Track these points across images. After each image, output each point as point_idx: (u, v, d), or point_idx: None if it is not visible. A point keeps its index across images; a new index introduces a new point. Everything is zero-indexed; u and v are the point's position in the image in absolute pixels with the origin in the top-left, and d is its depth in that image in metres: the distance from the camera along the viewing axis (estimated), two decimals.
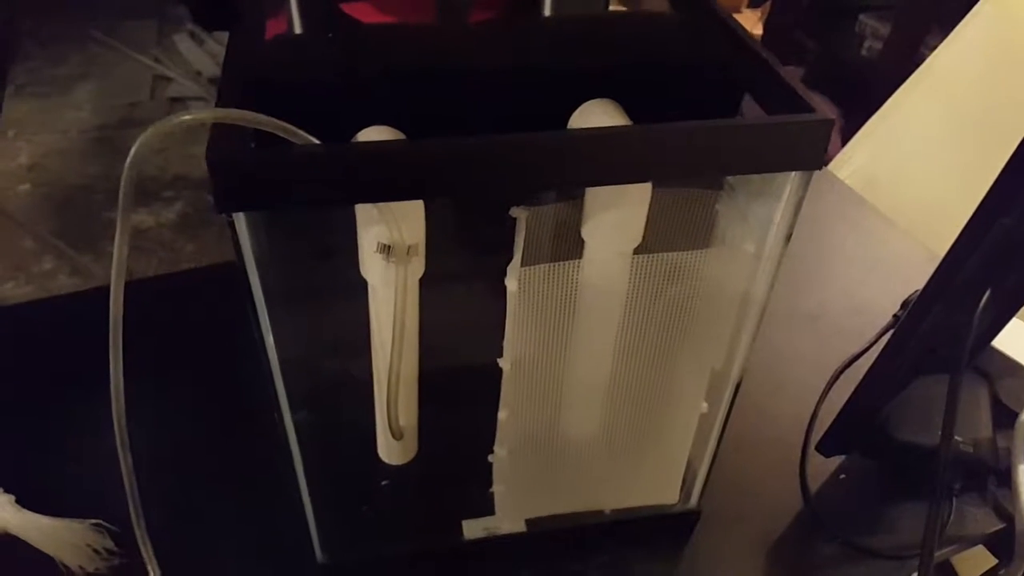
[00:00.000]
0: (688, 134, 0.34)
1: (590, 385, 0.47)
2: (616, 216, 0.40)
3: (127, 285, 0.36)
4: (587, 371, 0.46)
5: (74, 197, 2.02)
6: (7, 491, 0.55)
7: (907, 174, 1.12)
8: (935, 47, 1.21)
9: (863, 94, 1.45)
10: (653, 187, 0.40)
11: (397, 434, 0.48)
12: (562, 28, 0.49)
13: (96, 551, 0.53)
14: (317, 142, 0.33)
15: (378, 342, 0.45)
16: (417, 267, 0.42)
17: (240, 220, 0.35)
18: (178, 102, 2.28)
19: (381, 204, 0.38)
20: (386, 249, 0.39)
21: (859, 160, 1.16)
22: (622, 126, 0.39)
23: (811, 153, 0.36)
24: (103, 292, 0.36)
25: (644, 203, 0.40)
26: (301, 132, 0.33)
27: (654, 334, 0.44)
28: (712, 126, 0.34)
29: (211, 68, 2.39)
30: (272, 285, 0.38)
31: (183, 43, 2.51)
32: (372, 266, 0.41)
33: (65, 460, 0.60)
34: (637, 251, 0.41)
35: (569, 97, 0.41)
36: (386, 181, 0.34)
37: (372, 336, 0.46)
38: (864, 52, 1.88)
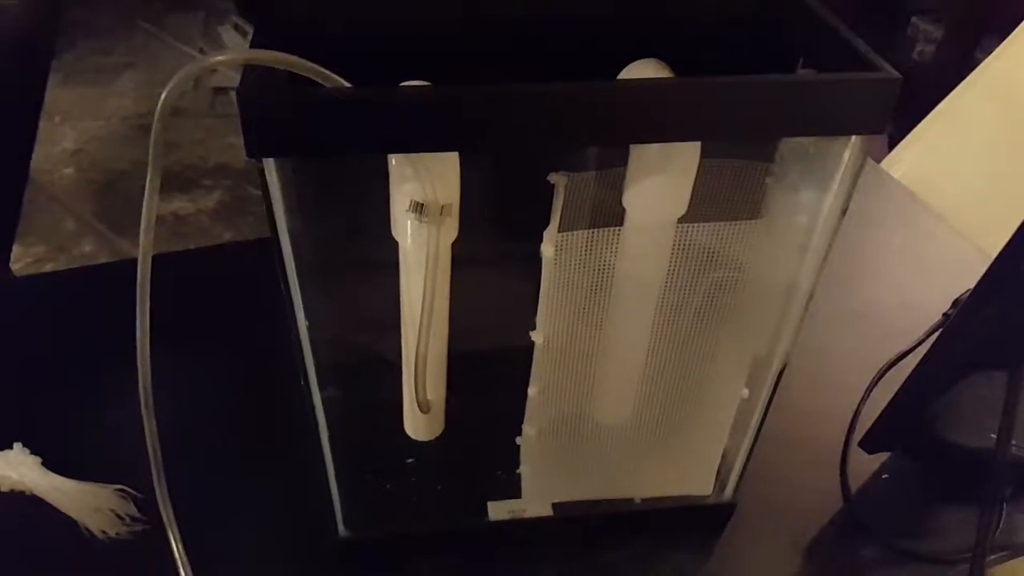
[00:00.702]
0: (742, 89, 0.32)
1: (625, 363, 0.45)
2: (661, 181, 0.38)
3: (160, 258, 0.36)
4: (622, 347, 0.44)
5: (115, 181, 2.05)
6: (34, 453, 0.55)
7: (959, 177, 1.08)
8: (989, 51, 1.18)
9: (914, 98, 1.41)
10: (701, 155, 0.38)
11: (424, 406, 0.47)
12: None
13: (119, 516, 0.53)
14: (351, 86, 0.32)
15: (408, 309, 0.44)
16: (450, 229, 0.40)
17: (271, 168, 0.34)
18: (221, 92, 2.31)
19: (415, 159, 0.36)
20: (419, 208, 0.38)
21: (910, 162, 1.13)
22: (673, 78, 0.37)
23: (874, 115, 0.33)
24: (135, 264, 0.36)
25: (691, 169, 0.38)
26: (334, 76, 0.32)
27: (695, 312, 0.42)
28: (769, 81, 0.32)
29: None
30: (302, 250, 0.37)
31: (227, 34, 2.54)
32: (404, 226, 0.40)
33: (92, 425, 0.60)
34: (682, 222, 0.39)
35: (616, 57, 0.39)
36: (422, 129, 0.32)
37: (402, 302, 0.44)
38: (916, 56, 1.83)
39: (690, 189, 0.39)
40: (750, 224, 0.38)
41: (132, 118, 2.28)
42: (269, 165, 0.34)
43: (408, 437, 0.51)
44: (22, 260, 1.80)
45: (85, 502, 0.53)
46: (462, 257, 0.43)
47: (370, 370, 0.52)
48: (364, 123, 0.32)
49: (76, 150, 2.19)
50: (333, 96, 0.32)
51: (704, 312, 0.42)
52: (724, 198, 0.41)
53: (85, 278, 0.82)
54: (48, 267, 1.84)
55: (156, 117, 0.33)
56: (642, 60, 0.39)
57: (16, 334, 0.68)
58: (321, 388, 0.43)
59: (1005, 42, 1.16)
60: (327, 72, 0.32)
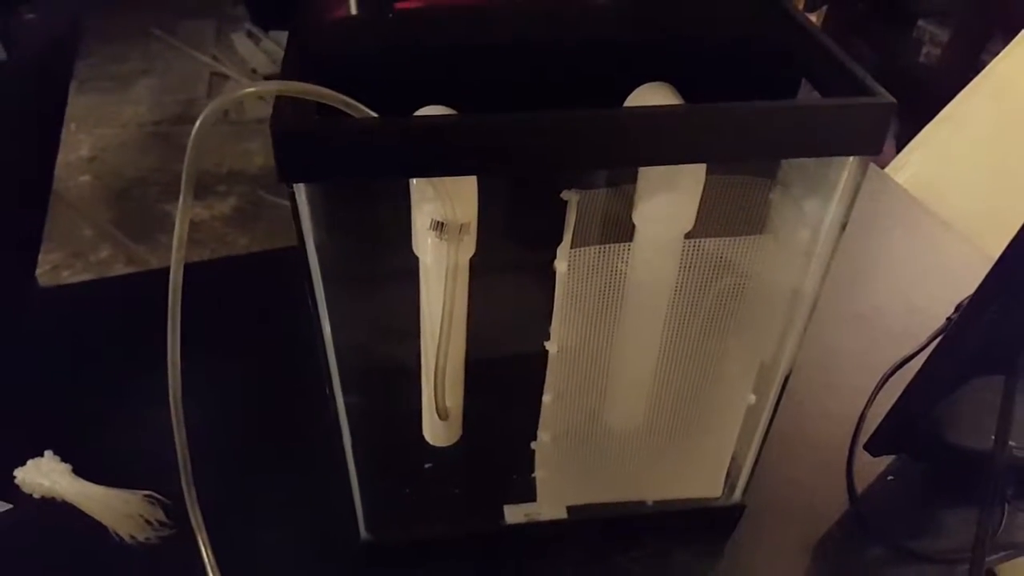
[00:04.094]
0: (745, 115, 0.34)
1: (636, 371, 0.47)
2: (668, 199, 0.40)
3: (185, 268, 0.37)
4: (634, 357, 0.46)
5: (131, 188, 2.08)
6: (64, 460, 0.57)
7: (965, 180, 1.09)
8: (995, 54, 1.19)
9: (921, 100, 1.41)
10: (707, 171, 0.40)
11: (443, 414, 0.49)
12: (618, 8, 0.49)
13: (148, 522, 0.55)
14: (376, 115, 0.34)
15: (428, 320, 0.46)
16: (468, 246, 0.42)
17: (301, 192, 0.36)
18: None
19: (435, 181, 0.38)
20: (439, 226, 0.40)
21: (916, 165, 1.14)
22: (679, 104, 0.39)
23: (871, 137, 0.35)
24: (160, 274, 0.37)
25: (697, 187, 0.40)
26: (361, 106, 0.34)
27: (703, 321, 0.44)
28: (769, 107, 0.34)
29: (267, 66, 2.44)
30: (328, 264, 0.39)
31: (240, 42, 2.57)
32: (424, 243, 0.42)
33: (121, 432, 0.62)
34: (688, 237, 0.41)
35: (624, 81, 0.41)
36: (442, 155, 0.34)
37: (422, 314, 0.46)
38: (922, 58, 1.84)
39: (696, 206, 0.41)
40: (754, 239, 0.40)
41: (147, 125, 2.31)
42: (299, 188, 0.36)
43: (427, 443, 0.53)
44: (40, 267, 1.84)
45: (115, 508, 0.55)
46: (479, 270, 0.45)
47: (391, 378, 0.54)
48: (388, 150, 0.34)
49: (92, 157, 2.22)
50: (360, 126, 0.34)
51: (711, 322, 0.43)
52: (730, 213, 0.43)
53: (111, 287, 0.84)
54: (65, 273, 1.87)
55: (189, 146, 0.35)
56: (650, 83, 0.40)
57: (45, 342, 0.70)
58: (344, 395, 0.45)
59: (1011, 44, 1.17)
60: (354, 102, 0.34)
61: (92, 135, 2.28)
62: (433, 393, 0.48)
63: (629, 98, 0.41)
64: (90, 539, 0.54)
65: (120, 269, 1.88)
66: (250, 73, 2.45)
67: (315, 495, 0.56)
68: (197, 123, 0.35)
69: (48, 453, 0.57)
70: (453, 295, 0.43)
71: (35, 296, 0.92)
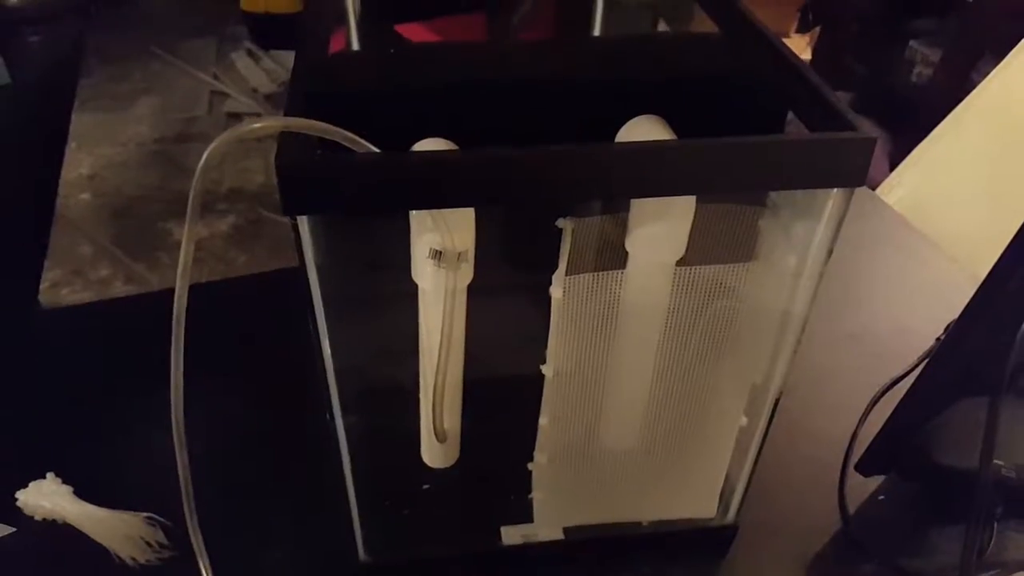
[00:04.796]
0: (731, 149, 0.35)
1: (631, 395, 0.48)
2: (660, 228, 0.41)
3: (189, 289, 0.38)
4: (628, 380, 0.47)
5: (131, 207, 2.09)
6: (66, 482, 0.58)
7: (955, 200, 1.11)
8: (986, 74, 1.20)
9: (913, 120, 1.43)
10: (697, 201, 0.41)
11: (441, 436, 0.49)
12: (610, 47, 0.51)
13: (148, 543, 0.55)
14: (377, 151, 0.35)
15: (426, 345, 0.47)
16: (466, 273, 0.43)
17: (304, 223, 0.37)
18: (234, 117, 2.36)
19: (434, 211, 0.40)
20: (437, 255, 0.41)
21: (907, 185, 1.15)
22: (667, 140, 0.40)
23: (853, 171, 0.36)
24: (162, 295, 0.38)
25: (688, 216, 0.41)
26: (363, 141, 0.35)
27: (695, 346, 0.45)
28: (754, 142, 0.35)
29: (266, 85, 2.46)
30: (330, 289, 0.40)
31: (241, 61, 2.59)
32: (424, 271, 0.43)
33: (122, 455, 0.62)
34: (680, 264, 0.42)
35: (617, 114, 0.42)
36: (441, 189, 0.35)
37: (421, 339, 0.47)
38: (914, 78, 1.86)
39: (687, 234, 0.42)
40: (745, 265, 0.41)
41: (148, 144, 2.33)
42: (302, 220, 0.37)
43: (425, 464, 0.54)
44: (41, 283, 1.84)
45: (116, 530, 0.56)
46: (477, 295, 0.46)
47: (390, 401, 0.54)
48: (388, 185, 0.35)
49: (92, 175, 2.23)
50: (361, 161, 0.35)
51: (704, 345, 0.44)
52: (721, 240, 0.44)
53: (114, 309, 0.85)
54: (65, 291, 1.88)
55: (196, 179, 0.36)
56: (641, 116, 0.42)
57: (47, 364, 0.70)
58: (343, 417, 0.46)
59: (1000, 65, 1.19)
60: (356, 138, 0.35)
61: (93, 154, 2.30)
62: (431, 416, 0.49)
63: (621, 131, 0.42)
64: (91, 561, 0.55)
65: (119, 287, 1.88)
66: (250, 92, 2.47)
67: (315, 517, 0.57)
68: (202, 160, 0.36)
69: (50, 475, 0.58)
70: (451, 320, 0.44)
71: (37, 317, 0.93)
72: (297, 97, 0.38)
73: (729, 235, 0.44)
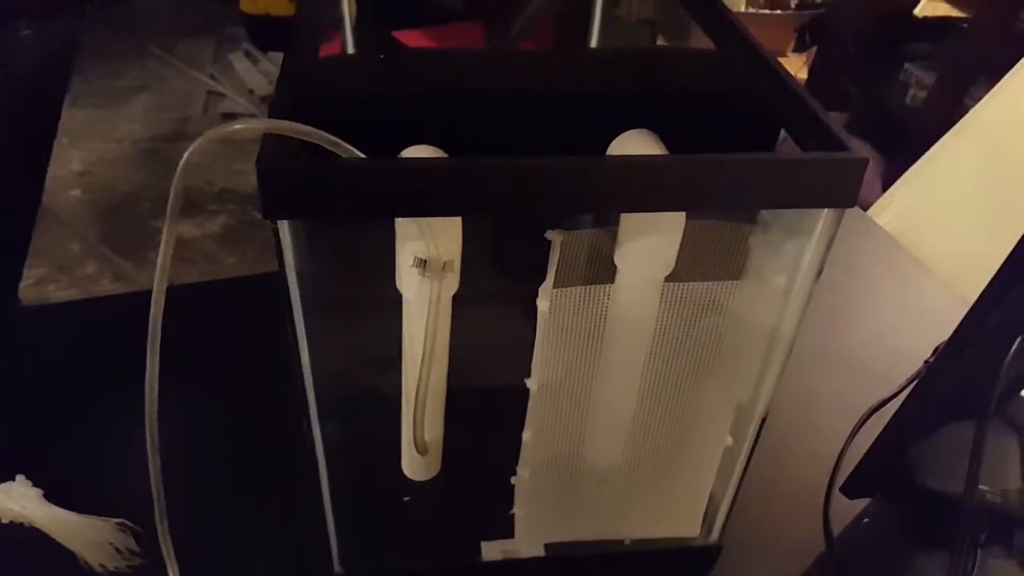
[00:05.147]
0: (722, 166, 0.35)
1: (616, 411, 0.47)
2: (649, 243, 0.40)
3: (168, 290, 0.37)
4: (613, 397, 0.46)
5: (121, 204, 2.07)
6: (37, 485, 0.56)
7: (947, 222, 1.11)
8: (979, 98, 1.21)
9: (906, 142, 1.44)
10: (687, 217, 0.40)
11: (422, 449, 0.49)
12: (605, 59, 0.51)
13: (118, 550, 0.54)
14: (362, 156, 0.34)
15: (409, 356, 0.46)
16: (451, 283, 0.43)
17: (284, 228, 0.36)
18: (228, 117, 2.34)
19: (420, 219, 0.39)
20: (422, 263, 0.40)
21: (899, 206, 1.15)
22: (657, 155, 0.39)
23: (844, 191, 0.36)
24: (141, 296, 0.37)
25: (678, 232, 0.40)
26: (347, 146, 0.35)
27: (682, 363, 0.44)
28: (746, 159, 0.35)
29: (263, 87, 2.45)
30: (310, 295, 0.39)
31: (239, 62, 2.58)
32: (408, 280, 0.42)
33: (95, 458, 0.61)
34: (669, 279, 0.42)
35: (609, 127, 0.42)
36: (427, 196, 0.35)
37: (404, 350, 0.47)
38: (908, 100, 1.87)
39: (676, 250, 0.41)
40: (734, 283, 0.41)
41: (142, 141, 2.31)
42: (282, 224, 0.36)
43: (405, 476, 0.53)
44: (24, 281, 1.82)
45: (85, 535, 0.54)
46: (462, 304, 0.45)
47: (370, 410, 0.54)
48: (374, 191, 0.34)
49: (83, 172, 2.21)
50: (345, 166, 0.34)
51: (691, 362, 0.44)
52: (710, 256, 0.44)
53: (93, 308, 0.84)
54: (51, 287, 1.85)
55: (176, 179, 0.36)
56: (633, 130, 0.41)
57: (20, 364, 0.69)
58: (321, 426, 0.45)
59: (993, 90, 1.19)
60: (342, 143, 0.34)
61: (84, 150, 2.28)
62: (412, 427, 0.48)
63: (612, 144, 0.41)
64: (59, 566, 0.54)
65: (106, 285, 1.85)
66: (247, 93, 2.46)
67: (289, 527, 0.56)
68: (183, 158, 0.35)
69: (20, 477, 0.57)
70: (435, 332, 0.43)
71: (18, 314, 0.92)
72: (283, 99, 0.37)
73: (719, 252, 0.43)
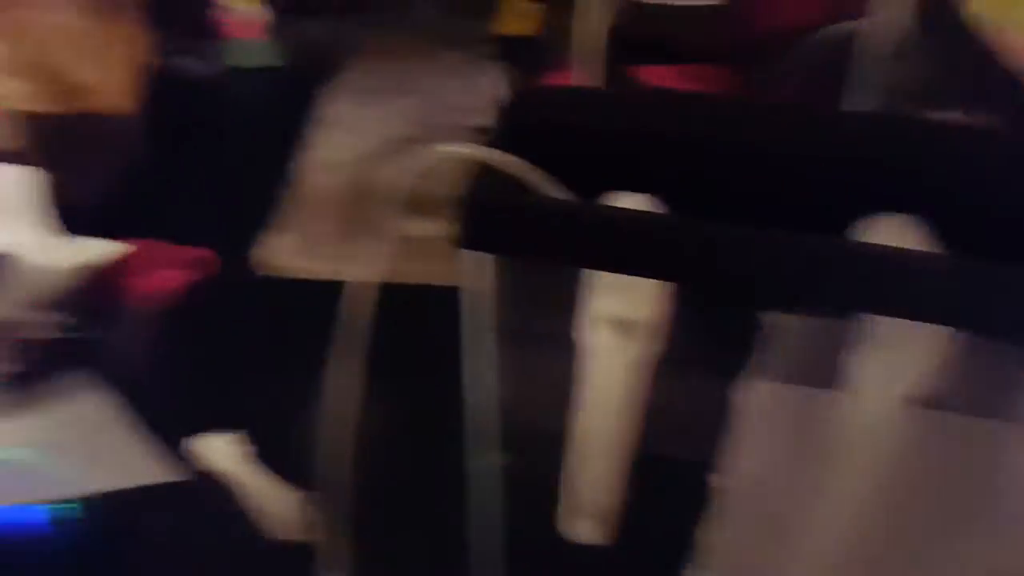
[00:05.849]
0: (1016, 281, 0.27)
1: (822, 541, 0.39)
2: (895, 352, 0.33)
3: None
4: (820, 524, 0.39)
5: (365, 196, 2.24)
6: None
7: None
8: None
9: None
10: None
11: (584, 509, 0.45)
12: (868, 125, 0.43)
13: (302, 521, 0.55)
14: (568, 199, 0.31)
15: (587, 412, 0.43)
16: (647, 346, 0.38)
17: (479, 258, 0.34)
18: (477, 131, 2.47)
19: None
20: (614, 320, 0.36)
21: None
22: (930, 253, 0.32)
23: None
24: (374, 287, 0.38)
25: (938, 347, 0.33)
26: (557, 186, 0.32)
27: (920, 520, 0.36)
28: None
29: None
30: (486, 322, 0.38)
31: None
32: (598, 334, 0.38)
33: (281, 432, 0.61)
34: (913, 403, 0.34)
35: (860, 205, 0.35)
36: (637, 255, 0.31)
37: (582, 403, 0.43)
38: None
39: (932, 366, 0.34)
40: (1006, 426, 0.32)
41: (395, 140, 2.49)
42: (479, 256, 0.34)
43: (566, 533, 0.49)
44: (258, 248, 2.01)
45: (276, 501, 0.56)
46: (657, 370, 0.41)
47: (534, 451, 0.50)
48: (577, 238, 0.31)
49: (337, 162, 2.42)
50: (548, 206, 0.31)
51: (931, 519, 0.35)
52: (980, 382, 0.35)
53: (330, 288, 0.86)
54: (293, 258, 2.04)
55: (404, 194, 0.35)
56: (892, 215, 0.34)
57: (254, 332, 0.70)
58: (482, 459, 0.43)
59: None
60: (549, 181, 0.32)
61: (339, 142, 2.50)
62: (576, 481, 0.44)
63: (863, 226, 0.34)
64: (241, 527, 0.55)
65: (342, 268, 2.02)
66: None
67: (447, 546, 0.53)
68: (410, 177, 0.35)
69: (232, 434, 0.59)
70: (621, 395, 0.39)
71: (257, 282, 0.98)
72: (503, 129, 0.35)
73: (988, 378, 0.34)
